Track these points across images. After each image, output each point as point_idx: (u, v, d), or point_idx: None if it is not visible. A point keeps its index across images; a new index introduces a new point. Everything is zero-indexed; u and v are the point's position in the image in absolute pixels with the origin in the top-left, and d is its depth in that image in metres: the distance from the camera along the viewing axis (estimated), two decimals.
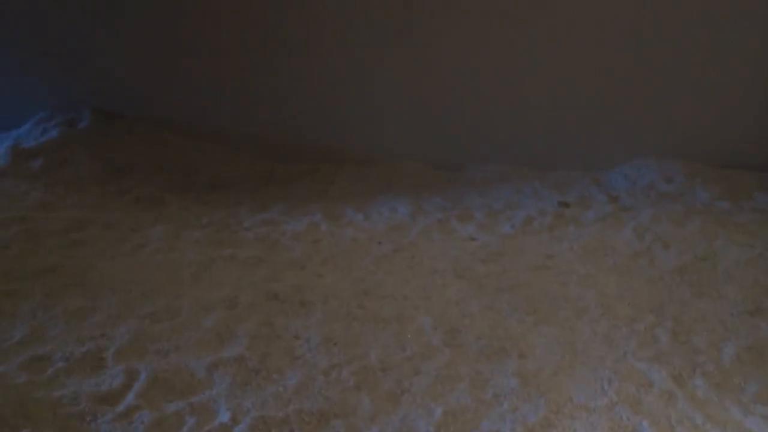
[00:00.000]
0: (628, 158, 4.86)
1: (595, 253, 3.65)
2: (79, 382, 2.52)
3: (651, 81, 4.72)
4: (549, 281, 3.35)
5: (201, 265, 3.54)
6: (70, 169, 4.77)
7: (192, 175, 5.01)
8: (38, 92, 5.43)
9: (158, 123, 5.42)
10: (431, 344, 2.81)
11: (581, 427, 2.26)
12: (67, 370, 2.58)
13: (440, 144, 5.29)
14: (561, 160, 5.03)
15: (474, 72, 5.04)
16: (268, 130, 5.46)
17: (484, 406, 2.39)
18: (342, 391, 2.50)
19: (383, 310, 3.11)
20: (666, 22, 4.57)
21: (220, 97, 5.42)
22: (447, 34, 4.93)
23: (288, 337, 2.87)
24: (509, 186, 4.88)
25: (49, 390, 2.45)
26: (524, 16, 4.78)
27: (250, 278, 3.40)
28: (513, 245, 3.83)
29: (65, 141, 5.00)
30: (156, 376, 2.54)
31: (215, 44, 5.19)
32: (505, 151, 5.19)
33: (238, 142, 5.48)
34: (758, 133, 4.59)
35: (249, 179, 5.09)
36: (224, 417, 2.35)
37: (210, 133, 5.51)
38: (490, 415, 2.35)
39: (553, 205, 4.40)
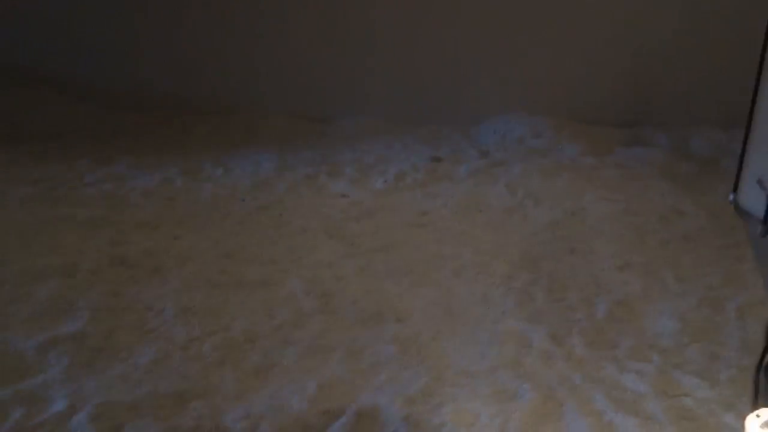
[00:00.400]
0: (497, 113, 4.83)
1: (469, 209, 3.56)
2: None
3: (519, 38, 4.68)
4: (424, 239, 3.21)
5: (31, 226, 3.05)
6: None
7: (22, 124, 4.36)
8: None
9: None
10: (302, 311, 2.58)
11: (463, 394, 2.14)
12: None
13: (308, 94, 4.98)
14: (431, 114, 4.91)
15: (342, 22, 4.76)
16: (114, 76, 4.87)
17: (361, 377, 2.21)
18: (203, 368, 2.22)
19: (248, 274, 2.82)
20: None
21: (57, 40, 4.75)
22: None
23: (138, 309, 2.52)
24: (380, 140, 4.69)
25: None
26: None
27: (92, 241, 2.98)
28: (386, 202, 3.66)
29: None
30: None
31: None
32: (375, 104, 4.99)
33: (80, 89, 4.85)
34: (619, 92, 4.71)
35: (92, 130, 4.52)
36: (60, 405, 2.00)
37: (45, 78, 4.84)
38: (368, 386, 2.17)
39: (425, 160, 4.27)
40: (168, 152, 4.24)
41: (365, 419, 2.01)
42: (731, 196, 1.31)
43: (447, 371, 2.25)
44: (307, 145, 4.57)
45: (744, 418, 2.02)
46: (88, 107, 4.79)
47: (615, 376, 2.24)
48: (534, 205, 3.61)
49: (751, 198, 1.24)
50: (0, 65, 4.81)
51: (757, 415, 1.30)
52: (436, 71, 4.83)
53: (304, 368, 2.25)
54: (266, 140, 4.62)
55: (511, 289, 2.78)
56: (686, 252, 3.05)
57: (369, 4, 4.71)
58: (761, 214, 1.17)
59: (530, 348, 2.38)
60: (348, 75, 4.90)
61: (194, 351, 2.30)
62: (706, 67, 4.54)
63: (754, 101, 1.24)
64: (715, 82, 4.54)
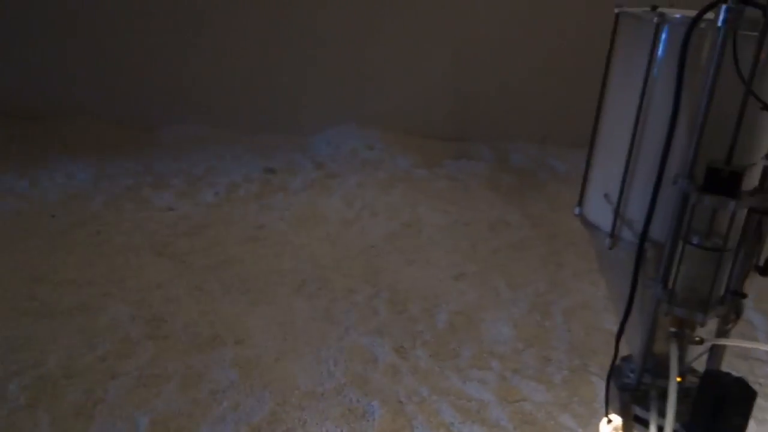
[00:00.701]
0: (330, 124, 4.80)
1: (307, 222, 3.47)
2: None
3: (354, 52, 4.70)
4: (262, 255, 3.07)
5: None
6: None
7: None
8: None
9: None
10: (129, 338, 2.33)
11: (312, 417, 2.04)
12: None
13: (128, 100, 4.61)
14: (264, 124, 4.76)
15: (166, 22, 4.47)
16: None
17: (200, 408, 2.03)
18: (10, 413, 1.91)
19: (62, 300, 2.51)
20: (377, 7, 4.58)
21: None
22: None
23: None
24: (209, 150, 4.46)
25: None
26: None
27: None
28: (219, 215, 3.46)
29: None
30: None
31: None
32: (203, 111, 4.73)
33: None
34: (446, 107, 4.88)
35: None
36: None
37: None
38: (209, 417, 2.00)
39: (258, 171, 4.12)
40: None
41: None
42: (577, 210, 1.35)
43: (293, 394, 2.14)
44: (127, 155, 4.22)
45: (578, 419, 2.14)
46: None
47: (459, 386, 2.27)
48: (371, 216, 3.61)
49: (596, 211, 1.28)
50: None
51: (609, 420, 1.36)
52: (269, 80, 4.70)
53: (134, 403, 2.02)
54: (80, 149, 4.19)
55: (353, 303, 2.73)
56: (515, 260, 3.21)
57: (196, 5, 4.46)
58: (606, 227, 1.22)
59: (376, 363, 2.35)
60: (174, 80, 4.60)
61: None
62: (522, 88, 4.86)
63: (596, 124, 1.30)
64: (529, 101, 4.87)
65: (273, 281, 2.84)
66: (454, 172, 4.38)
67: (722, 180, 1.07)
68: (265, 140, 4.69)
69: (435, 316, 2.69)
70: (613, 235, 1.20)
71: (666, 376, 1.24)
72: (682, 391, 1.25)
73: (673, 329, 1.18)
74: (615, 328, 1.30)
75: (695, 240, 1.11)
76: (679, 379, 1.26)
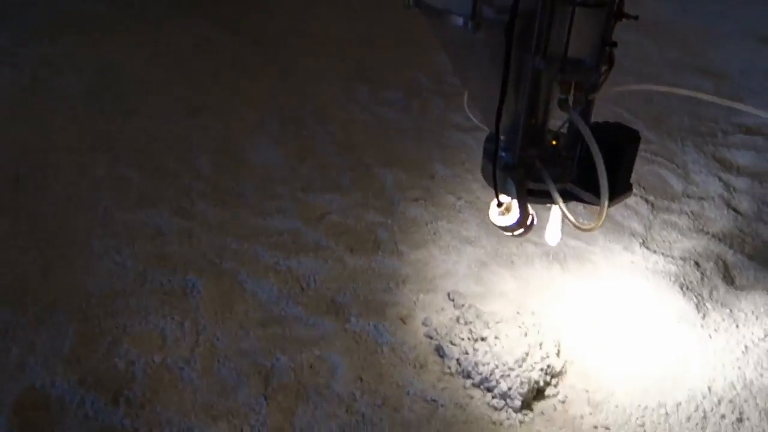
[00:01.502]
0: None
1: None
2: None
3: None
4: None
5: None
6: None
7: None
8: None
9: None
10: None
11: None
12: None
13: None
14: None
15: None
16: None
17: None
18: None
19: None
20: None
21: None
22: None
23: None
24: None
25: None
26: None
27: None
28: None
29: None
30: None
31: None
32: None
33: None
34: None
35: None
36: None
37: None
38: None
39: None
40: None
41: None
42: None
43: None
44: None
45: (381, 211, 2.21)
46: None
47: (263, 224, 2.15)
48: None
49: None
50: None
51: (500, 203, 1.41)
52: None
53: None
54: None
55: None
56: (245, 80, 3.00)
57: None
58: (459, 9, 1.13)
59: (164, 236, 2.08)
60: None
61: None
62: None
63: None
64: None
65: None
66: None
67: None
68: None
69: (193, 162, 2.44)
70: (475, 16, 1.11)
71: (536, 147, 1.31)
72: (557, 154, 1.33)
73: (563, 96, 1.20)
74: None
75: None
76: (554, 142, 1.33)
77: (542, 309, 1.92)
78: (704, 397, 1.69)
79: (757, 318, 1.93)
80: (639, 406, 1.67)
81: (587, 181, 1.28)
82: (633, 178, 1.37)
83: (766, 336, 1.87)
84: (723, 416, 1.65)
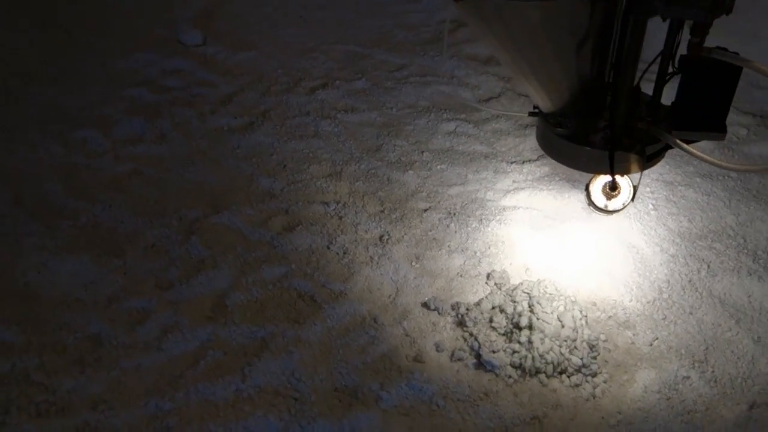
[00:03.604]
0: None
1: None
2: None
3: None
4: None
5: None
6: None
7: None
8: None
9: None
10: None
11: None
12: None
13: None
14: None
15: None
16: None
17: None
18: None
19: None
20: None
21: None
22: None
23: None
24: None
25: None
26: None
27: None
28: None
29: None
30: None
31: None
32: None
33: None
34: None
35: None
36: None
37: None
38: None
39: None
40: None
41: None
42: None
43: None
44: None
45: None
46: None
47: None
48: None
49: None
50: None
51: (614, 187, 1.54)
52: None
53: None
54: None
55: None
56: None
57: None
58: None
59: None
60: None
61: None
62: None
63: None
64: None
65: None
66: None
67: None
68: None
69: None
70: None
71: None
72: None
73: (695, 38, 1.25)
74: None
75: None
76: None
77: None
78: None
79: None
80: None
81: (691, 121, 1.37)
82: None
83: None
84: None
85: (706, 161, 1.44)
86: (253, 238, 2.45)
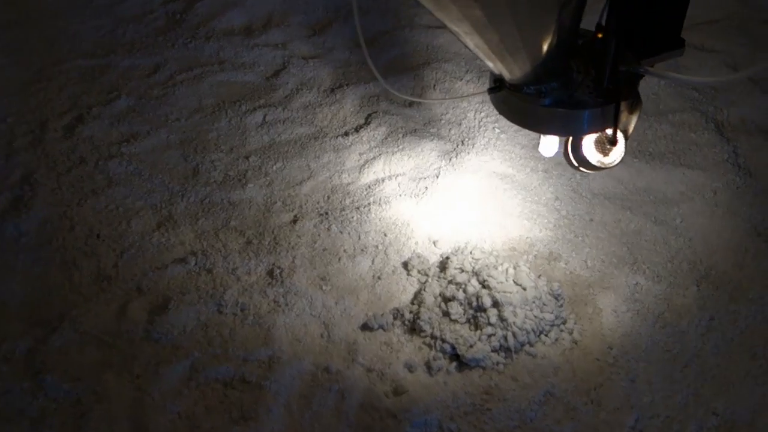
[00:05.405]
0: None
1: None
2: None
3: None
4: None
5: None
6: None
7: None
8: None
9: None
10: None
11: None
12: None
13: None
14: None
15: None
16: None
17: None
18: None
19: None
20: None
21: None
22: None
23: None
24: None
25: None
26: None
27: None
28: None
29: None
30: None
31: None
32: None
33: None
34: None
35: None
36: None
37: None
38: None
39: None
40: None
41: None
42: None
43: None
44: None
45: None
46: None
47: None
48: None
49: None
50: None
51: (613, 141, 1.45)
52: None
53: None
54: None
55: None
56: None
57: None
58: None
59: None
60: None
61: None
62: None
63: None
64: None
65: None
66: None
67: None
68: None
69: None
70: None
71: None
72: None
73: None
74: None
75: None
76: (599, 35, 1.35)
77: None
78: None
79: None
80: None
81: (652, 46, 1.33)
82: None
83: None
84: None
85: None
86: (121, 342, 1.89)
